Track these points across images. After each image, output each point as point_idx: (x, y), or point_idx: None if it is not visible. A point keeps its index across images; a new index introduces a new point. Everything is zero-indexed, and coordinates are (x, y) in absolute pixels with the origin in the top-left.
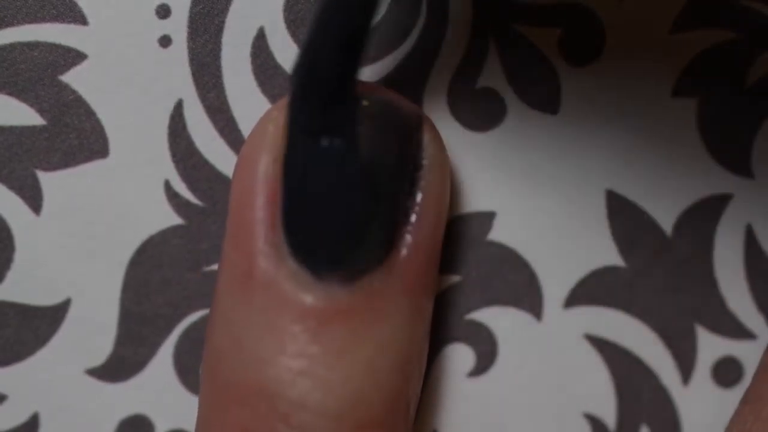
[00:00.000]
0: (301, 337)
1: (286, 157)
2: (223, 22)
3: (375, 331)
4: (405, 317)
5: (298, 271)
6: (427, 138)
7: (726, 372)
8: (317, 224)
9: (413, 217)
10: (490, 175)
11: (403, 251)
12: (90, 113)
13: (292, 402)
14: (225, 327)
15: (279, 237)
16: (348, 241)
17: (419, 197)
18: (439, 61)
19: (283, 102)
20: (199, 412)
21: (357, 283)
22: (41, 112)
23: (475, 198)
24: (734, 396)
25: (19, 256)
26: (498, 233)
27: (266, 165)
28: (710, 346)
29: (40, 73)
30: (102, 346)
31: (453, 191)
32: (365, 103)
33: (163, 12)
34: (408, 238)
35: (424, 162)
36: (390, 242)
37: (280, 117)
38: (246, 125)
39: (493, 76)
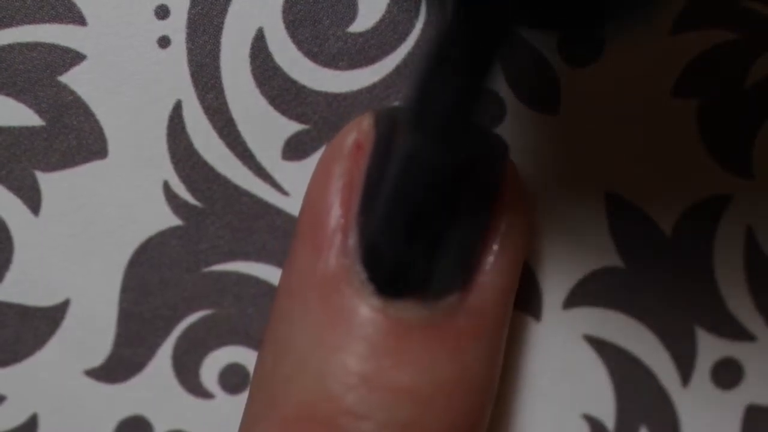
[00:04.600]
0: (372, 349)
1: (370, 167)
2: (222, 22)
3: (453, 351)
4: (482, 342)
5: (373, 288)
6: (510, 171)
7: (725, 373)
8: (397, 248)
9: (495, 246)
10: None
11: (485, 276)
12: (89, 114)
13: (361, 416)
14: (287, 336)
15: (353, 249)
16: (428, 264)
17: (503, 225)
18: None
19: (367, 115)
20: (249, 421)
21: (434, 302)
22: (40, 112)
23: None
24: (734, 397)
25: (18, 257)
26: None
27: (344, 174)
28: (710, 347)
29: (38, 74)
30: (101, 346)
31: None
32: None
33: (162, 13)
34: (490, 261)
35: (508, 192)
36: (471, 269)
37: (365, 123)
38: (245, 126)
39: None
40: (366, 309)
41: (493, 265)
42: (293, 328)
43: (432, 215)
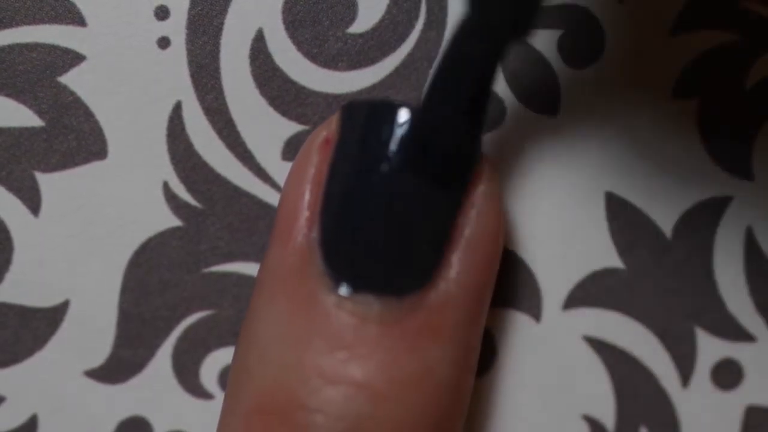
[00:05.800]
0: (328, 342)
1: (332, 161)
2: (221, 23)
3: (412, 348)
4: (445, 341)
5: (331, 282)
6: (484, 168)
7: (725, 374)
8: (356, 242)
9: (462, 242)
10: None
11: (450, 273)
12: (89, 114)
13: (313, 409)
14: (254, 328)
15: (315, 244)
16: (388, 260)
17: (472, 222)
18: None
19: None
20: (222, 414)
21: (393, 298)
22: (40, 113)
23: None
24: (734, 398)
25: (17, 258)
26: None
27: (312, 169)
28: (710, 348)
29: (38, 75)
30: (101, 347)
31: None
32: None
33: (162, 13)
34: (457, 258)
35: (480, 188)
36: (433, 266)
37: (335, 120)
38: (244, 126)
39: None
40: (324, 303)
41: (461, 262)
42: (259, 320)
43: (397, 209)
